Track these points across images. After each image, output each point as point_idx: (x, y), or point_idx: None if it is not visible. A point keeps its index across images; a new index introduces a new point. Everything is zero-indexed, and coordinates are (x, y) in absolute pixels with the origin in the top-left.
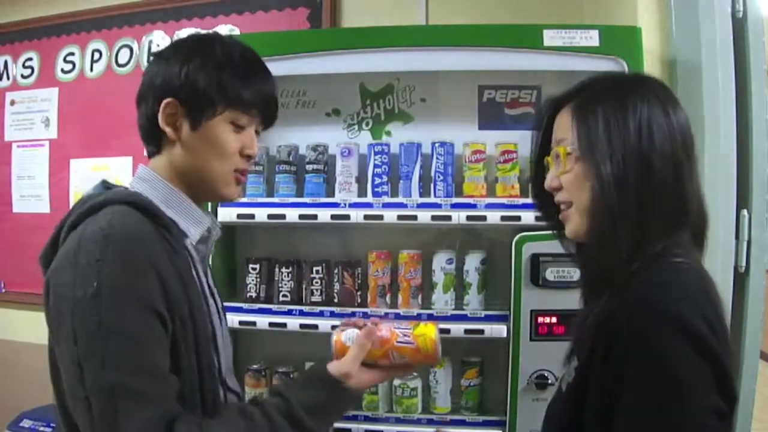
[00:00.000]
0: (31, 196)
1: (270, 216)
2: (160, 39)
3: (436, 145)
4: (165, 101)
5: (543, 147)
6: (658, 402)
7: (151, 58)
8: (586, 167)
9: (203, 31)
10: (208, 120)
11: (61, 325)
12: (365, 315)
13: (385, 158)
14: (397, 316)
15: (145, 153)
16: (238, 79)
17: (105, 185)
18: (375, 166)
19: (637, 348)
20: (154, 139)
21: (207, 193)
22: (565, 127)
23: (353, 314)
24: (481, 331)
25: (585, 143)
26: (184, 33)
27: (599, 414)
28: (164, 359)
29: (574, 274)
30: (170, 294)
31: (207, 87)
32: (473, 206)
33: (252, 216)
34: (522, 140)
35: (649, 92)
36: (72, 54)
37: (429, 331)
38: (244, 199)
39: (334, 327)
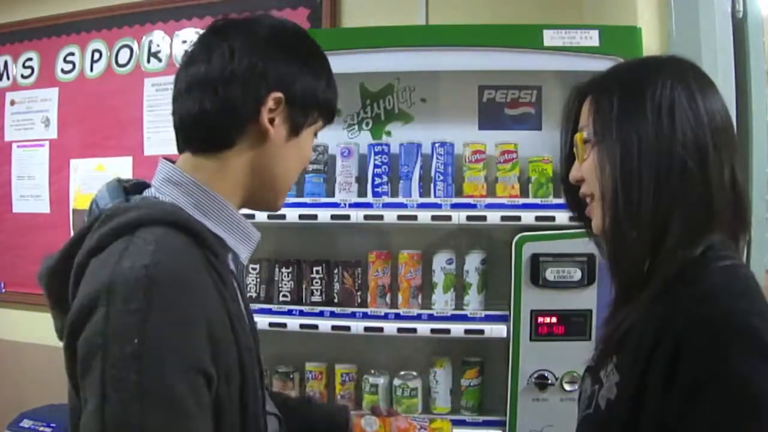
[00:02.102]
0: (31, 196)
1: (270, 216)
2: (160, 39)
3: (436, 145)
4: (274, 95)
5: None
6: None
7: (215, 31)
8: (601, 154)
9: (279, 19)
10: (307, 127)
11: (88, 380)
12: (365, 315)
13: (385, 158)
14: (398, 317)
15: (182, 149)
16: (328, 83)
17: (122, 186)
18: (375, 166)
19: (715, 371)
20: (229, 134)
21: (261, 203)
22: (586, 114)
23: (353, 314)
24: (481, 331)
25: (598, 128)
26: (184, 33)
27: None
28: (207, 427)
29: (574, 274)
30: (218, 344)
31: (315, 91)
32: (473, 206)
33: (252, 216)
34: (522, 140)
35: (675, 74)
36: (72, 54)
37: (445, 427)
38: None
39: (334, 327)
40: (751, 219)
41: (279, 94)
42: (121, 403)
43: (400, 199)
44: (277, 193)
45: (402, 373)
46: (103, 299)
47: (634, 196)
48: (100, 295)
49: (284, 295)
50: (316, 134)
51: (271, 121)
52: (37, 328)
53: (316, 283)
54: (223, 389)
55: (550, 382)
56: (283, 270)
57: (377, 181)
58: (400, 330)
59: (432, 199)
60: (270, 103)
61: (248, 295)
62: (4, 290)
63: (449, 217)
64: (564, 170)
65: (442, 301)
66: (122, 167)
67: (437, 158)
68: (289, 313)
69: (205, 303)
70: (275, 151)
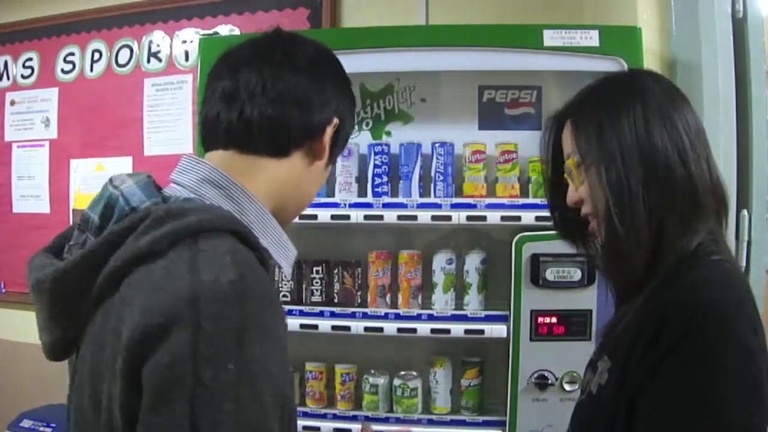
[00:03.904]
0: (31, 196)
1: None
2: (160, 39)
3: (436, 145)
4: (336, 121)
5: (556, 163)
6: (690, 404)
7: (296, 43)
8: (594, 174)
9: (326, 49)
10: (337, 156)
11: (167, 410)
12: (365, 315)
13: (385, 158)
14: (397, 317)
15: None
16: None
17: (153, 184)
18: (375, 166)
19: (681, 347)
20: (288, 143)
21: (279, 219)
22: (569, 140)
23: (353, 314)
24: (481, 331)
25: (585, 151)
26: (184, 33)
27: (631, 410)
28: None
29: (574, 274)
30: (288, 366)
31: (350, 131)
32: (473, 206)
33: None
34: (522, 140)
35: (641, 89)
36: (72, 54)
37: None
38: None
39: (334, 327)
40: (728, 201)
41: (338, 121)
42: None
43: (400, 199)
44: (293, 215)
45: (402, 373)
46: (185, 318)
47: (626, 204)
48: (180, 312)
49: (284, 295)
50: None
51: None
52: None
53: (316, 283)
54: (284, 411)
55: (550, 382)
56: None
57: (377, 181)
58: (400, 330)
59: (432, 199)
60: (332, 126)
61: None
62: (4, 290)
63: (449, 217)
64: (548, 194)
65: (442, 301)
66: (122, 167)
67: (437, 158)
68: (289, 313)
69: (282, 321)
70: (314, 172)
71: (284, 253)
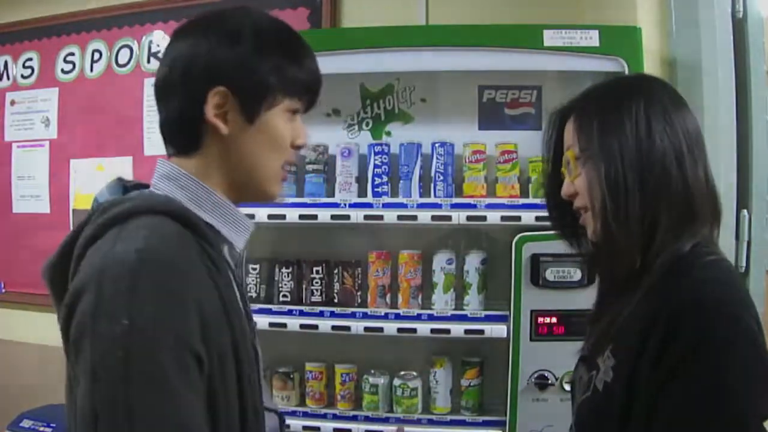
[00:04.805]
0: (31, 196)
1: (270, 216)
2: (160, 39)
3: (436, 145)
4: (214, 90)
5: (557, 159)
6: (712, 395)
7: (171, 38)
8: (592, 169)
9: (227, 7)
10: (267, 110)
11: (79, 360)
12: (365, 315)
13: (385, 158)
14: (397, 317)
15: (168, 152)
16: (294, 61)
17: (122, 184)
18: (375, 166)
19: (699, 346)
20: (190, 136)
21: (251, 194)
22: (571, 133)
23: (353, 314)
24: (481, 331)
25: (585, 145)
26: None
27: (650, 412)
28: (197, 409)
29: (574, 274)
30: (210, 328)
31: (266, 73)
32: (473, 206)
33: (252, 216)
34: (522, 140)
35: (647, 91)
36: (72, 54)
37: None
38: None
39: (334, 327)
40: (721, 211)
41: (222, 88)
42: (110, 383)
43: (400, 199)
44: (262, 183)
45: (402, 373)
46: (94, 282)
47: (622, 201)
48: (92, 278)
49: (284, 295)
50: (296, 113)
51: (224, 115)
52: (37, 328)
53: (316, 283)
54: (216, 371)
55: (550, 382)
56: (283, 270)
57: (377, 181)
58: (400, 330)
59: (432, 199)
60: (215, 99)
61: (248, 295)
62: (4, 290)
63: (449, 217)
64: (546, 188)
65: (442, 301)
66: (122, 167)
67: (437, 158)
68: (289, 313)
69: (195, 285)
70: (239, 143)
71: (235, 228)
